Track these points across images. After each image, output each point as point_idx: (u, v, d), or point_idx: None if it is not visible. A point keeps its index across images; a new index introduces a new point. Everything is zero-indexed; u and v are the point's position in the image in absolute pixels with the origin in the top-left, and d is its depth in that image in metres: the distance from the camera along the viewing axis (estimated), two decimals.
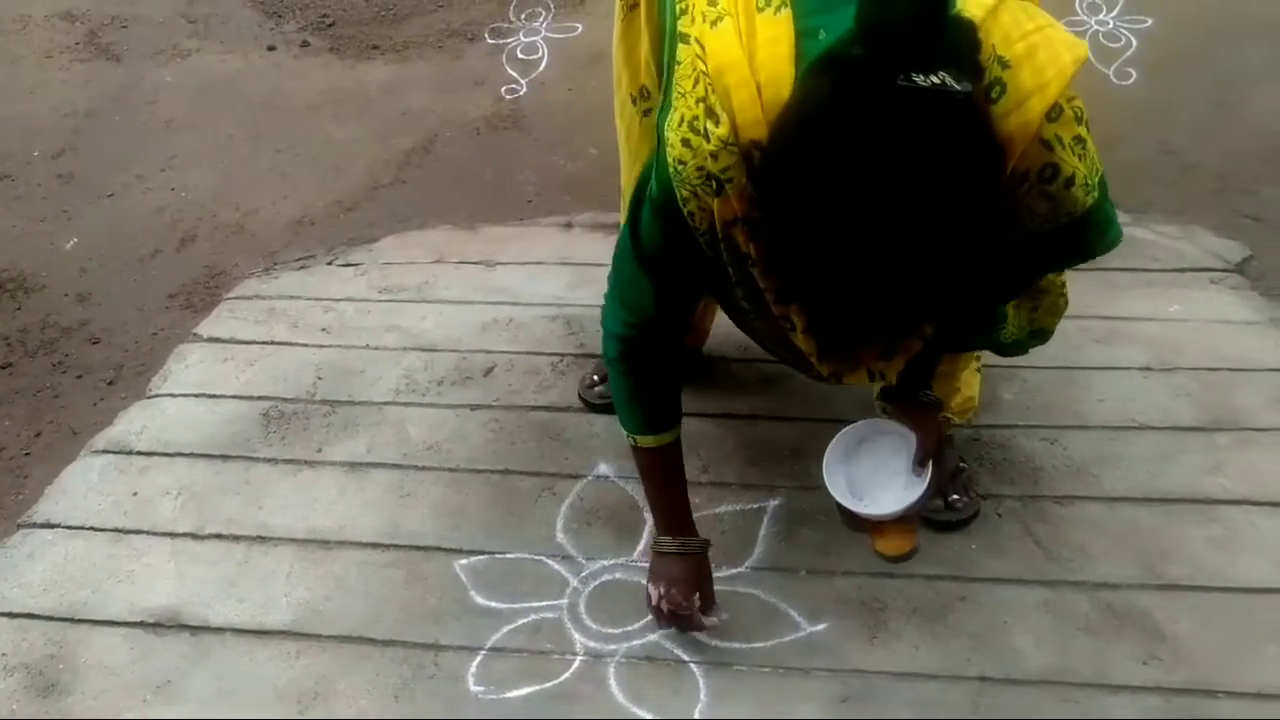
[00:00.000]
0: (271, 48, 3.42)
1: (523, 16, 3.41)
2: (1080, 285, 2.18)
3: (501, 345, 2.19)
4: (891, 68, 1.04)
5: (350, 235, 2.63)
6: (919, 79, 1.03)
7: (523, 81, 3.13)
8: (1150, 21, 3.05)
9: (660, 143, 1.32)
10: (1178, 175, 2.55)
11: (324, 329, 2.28)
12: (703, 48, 1.25)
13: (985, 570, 1.68)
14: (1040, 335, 1.62)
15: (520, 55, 3.24)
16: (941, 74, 1.03)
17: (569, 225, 2.57)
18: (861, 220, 1.08)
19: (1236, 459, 1.81)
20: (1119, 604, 1.60)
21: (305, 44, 3.41)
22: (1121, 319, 2.13)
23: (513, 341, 2.20)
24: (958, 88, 1.03)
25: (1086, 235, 1.30)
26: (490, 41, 3.33)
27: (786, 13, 1.23)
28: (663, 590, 1.56)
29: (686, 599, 1.55)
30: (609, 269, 1.52)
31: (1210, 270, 2.26)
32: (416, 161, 2.88)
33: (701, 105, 1.24)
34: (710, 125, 1.22)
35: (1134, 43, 2.98)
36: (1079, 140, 1.21)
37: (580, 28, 3.31)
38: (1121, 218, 2.40)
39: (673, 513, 1.62)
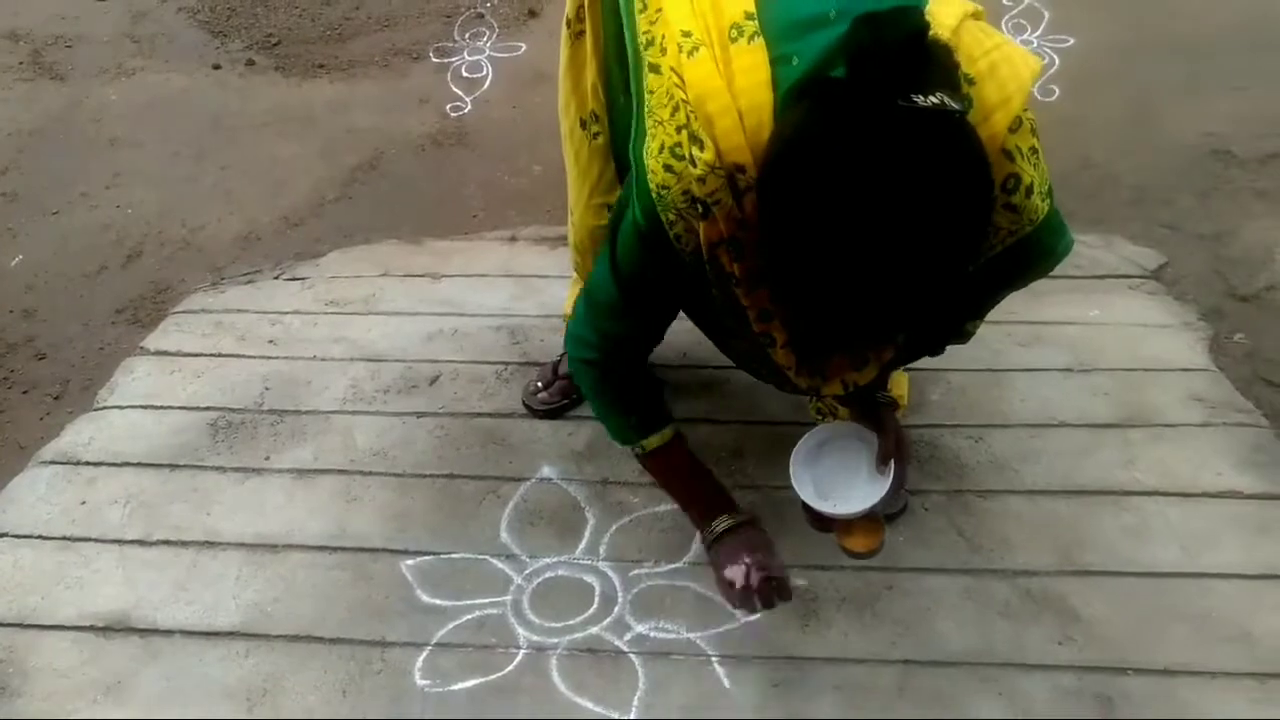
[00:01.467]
0: (217, 66, 3.44)
1: (467, 36, 3.47)
2: None
3: (447, 355, 2.24)
4: (890, 90, 1.08)
5: (297, 250, 2.66)
6: (919, 100, 1.07)
7: (467, 100, 3.19)
8: (1072, 41, 3.17)
9: (639, 170, 1.36)
10: (1098, 187, 2.66)
11: (271, 341, 2.31)
12: (681, 78, 1.28)
13: (912, 561, 1.75)
14: (961, 336, 1.70)
15: (465, 74, 3.30)
16: (939, 94, 1.08)
17: (513, 239, 2.62)
18: (863, 239, 1.10)
19: (1148, 453, 1.90)
20: (1036, 589, 1.69)
21: (251, 63, 3.44)
22: (1044, 323, 2.22)
23: (458, 351, 2.25)
24: (956, 106, 1.08)
25: (1045, 242, 1.36)
26: (435, 61, 3.38)
27: (759, 42, 1.27)
28: (749, 562, 1.52)
29: (778, 558, 1.53)
30: (578, 298, 1.55)
31: (1128, 277, 2.36)
32: (362, 178, 2.92)
33: (684, 132, 1.28)
34: (695, 151, 1.26)
35: (1057, 61, 3.10)
36: (1034, 150, 1.28)
37: (524, 47, 3.38)
38: None
39: (715, 493, 1.60)
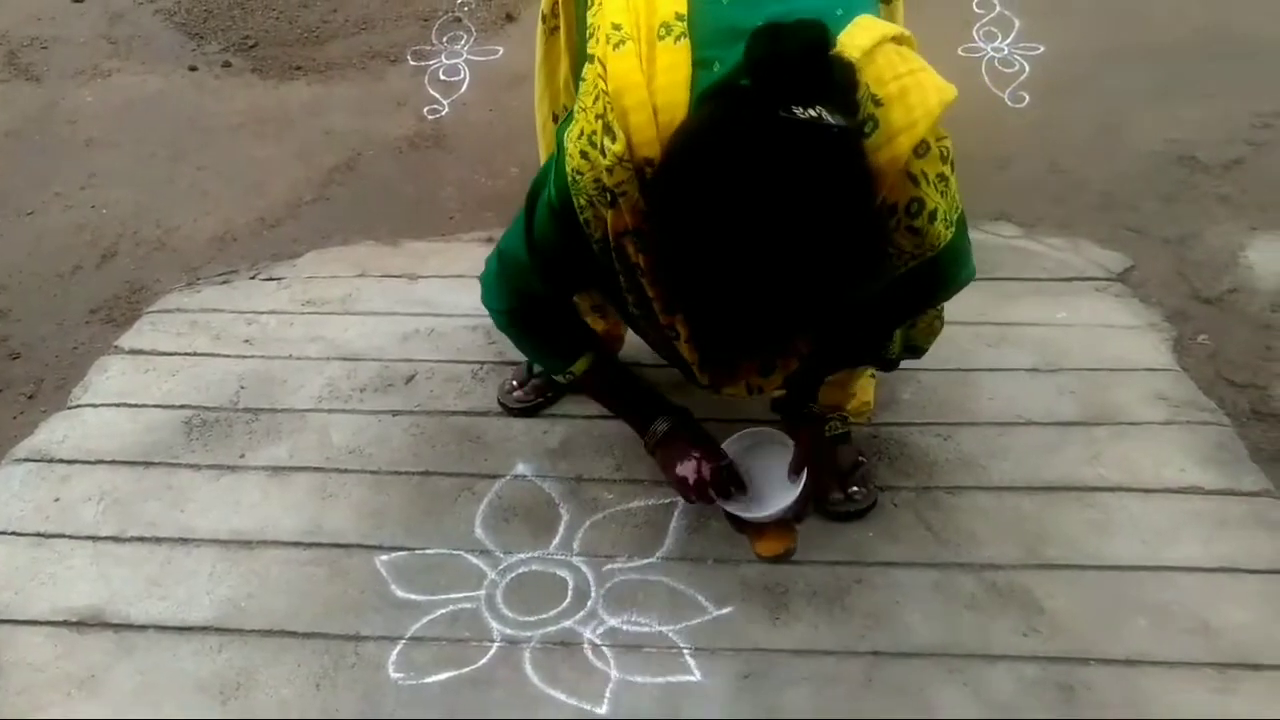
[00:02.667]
0: (193, 68, 3.44)
1: (444, 39, 3.49)
2: (974, 293, 2.30)
3: (423, 354, 2.25)
4: (775, 100, 1.14)
5: (273, 251, 2.66)
6: (798, 111, 1.13)
7: (445, 102, 3.20)
8: (1042, 49, 3.21)
9: (560, 151, 1.41)
10: (1066, 192, 2.69)
11: (247, 340, 2.32)
12: (604, 68, 1.33)
13: (881, 555, 1.78)
14: (915, 351, 1.76)
15: (442, 77, 3.31)
16: (819, 108, 1.14)
17: (490, 240, 2.62)
18: (738, 239, 1.15)
19: (1113, 450, 1.94)
20: (1002, 583, 1.72)
21: (227, 64, 3.45)
22: (1012, 324, 2.25)
23: (434, 350, 2.26)
24: (831, 122, 1.14)
25: (945, 270, 1.42)
26: (412, 64, 3.40)
27: (685, 43, 1.32)
28: (697, 456, 1.60)
29: (696, 470, 1.60)
30: (491, 254, 1.62)
31: (1095, 279, 2.40)
32: (339, 179, 2.93)
33: (600, 122, 1.32)
34: (607, 141, 1.30)
35: (1027, 69, 3.14)
36: (942, 178, 1.32)
37: (501, 51, 3.40)
38: (1013, 230, 2.60)
39: (649, 399, 1.68)
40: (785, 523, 1.60)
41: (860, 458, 1.89)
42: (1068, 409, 2.04)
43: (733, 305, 1.23)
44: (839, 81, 1.21)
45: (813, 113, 1.13)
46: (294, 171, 2.96)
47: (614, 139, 1.30)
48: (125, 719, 1.58)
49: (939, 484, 1.90)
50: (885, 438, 2.00)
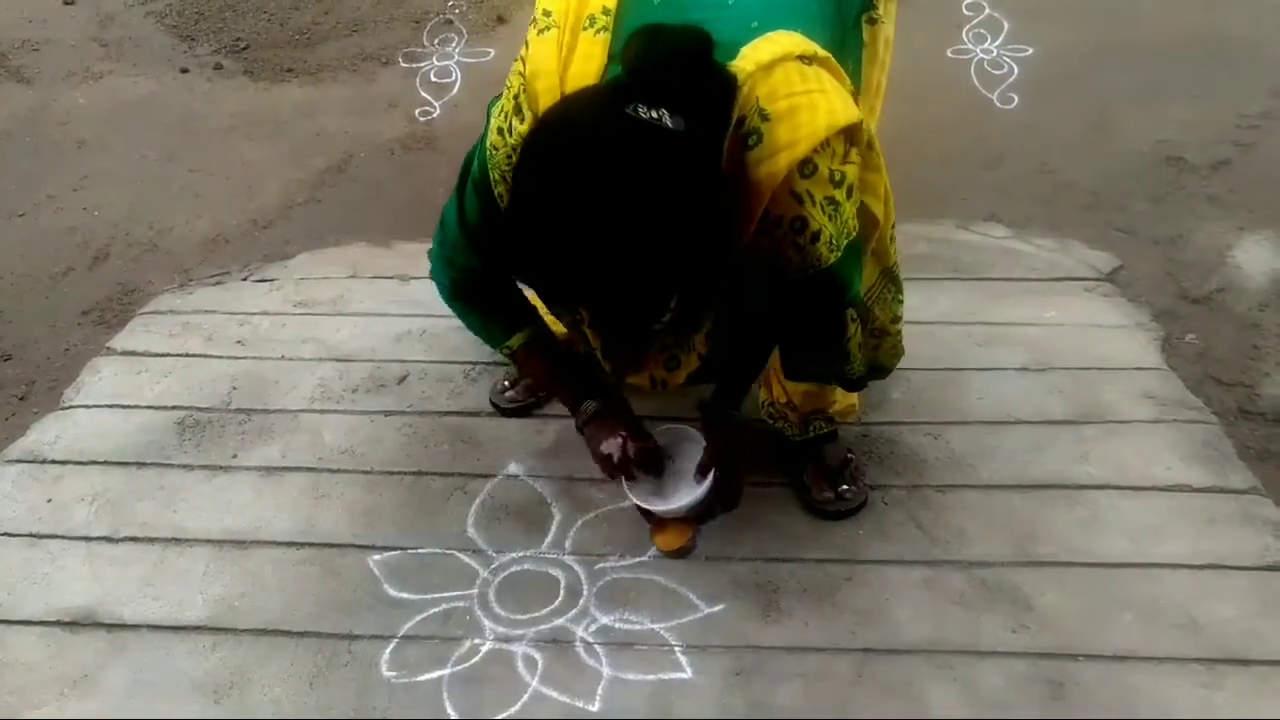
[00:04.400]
0: (185, 70, 3.45)
1: (436, 41, 3.50)
2: (965, 293, 2.35)
3: (415, 355, 2.26)
4: (625, 97, 1.18)
5: (265, 252, 2.67)
6: (641, 110, 1.16)
7: (436, 104, 3.21)
8: (1031, 50, 3.24)
9: (485, 125, 1.46)
10: (1055, 192, 2.71)
11: (239, 341, 2.33)
12: (527, 50, 1.40)
13: (871, 553, 1.79)
14: (881, 372, 1.80)
15: (434, 79, 3.32)
16: (662, 110, 1.17)
17: None
18: (561, 222, 1.19)
19: (1101, 448, 1.95)
20: (991, 580, 1.73)
21: (219, 67, 3.45)
22: (1001, 324, 2.27)
23: (426, 351, 2.27)
24: (670, 125, 1.17)
25: (825, 292, 1.45)
26: (404, 65, 3.40)
27: (605, 36, 1.37)
28: (623, 435, 1.64)
29: (621, 448, 1.64)
30: (437, 226, 1.65)
31: (1084, 279, 2.41)
32: (331, 181, 2.94)
33: (514, 102, 1.39)
34: (516, 121, 1.37)
35: (1016, 70, 3.17)
36: (831, 201, 1.34)
37: (492, 53, 3.40)
38: (1002, 231, 2.61)
39: (583, 379, 1.70)
40: (685, 520, 1.62)
41: (849, 455, 1.90)
42: (1057, 408, 2.05)
43: (555, 282, 1.28)
44: (705, 91, 1.24)
45: (655, 114, 1.17)
46: (286, 173, 2.97)
47: (522, 120, 1.37)
48: (119, 719, 1.58)
49: (929, 482, 1.91)
50: (875, 437, 2.01)
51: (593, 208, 1.17)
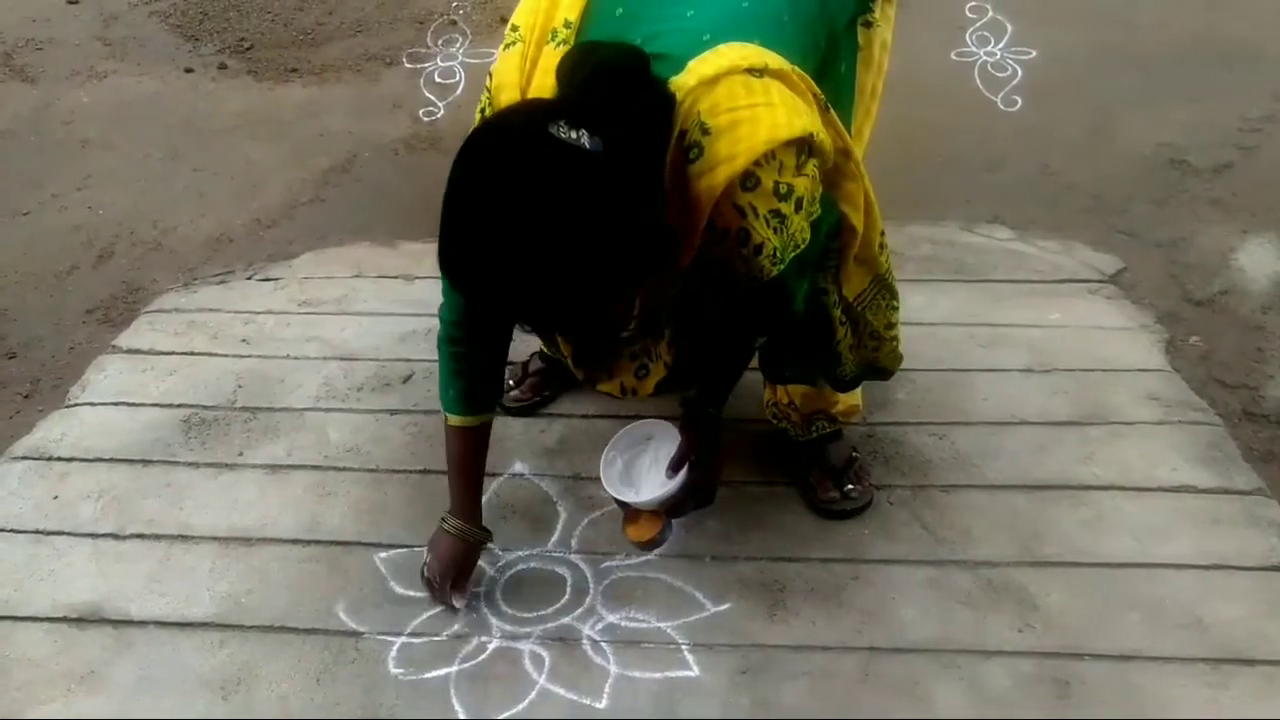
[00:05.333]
0: (189, 70, 3.45)
1: (440, 42, 3.50)
2: (968, 295, 2.36)
3: (420, 354, 2.26)
4: (548, 115, 1.19)
5: (269, 252, 2.68)
6: (562, 130, 1.18)
7: (440, 104, 3.22)
8: (1034, 53, 3.25)
9: None
10: (1058, 194, 2.72)
11: (244, 340, 2.33)
12: (494, 65, 1.42)
13: (877, 553, 1.79)
14: (882, 374, 1.82)
15: (438, 79, 3.33)
16: (582, 131, 1.19)
17: None
18: (484, 237, 1.20)
19: (1106, 449, 1.96)
20: (997, 580, 1.73)
21: (223, 66, 3.46)
22: (1005, 326, 2.27)
23: (431, 350, 2.21)
24: (588, 146, 1.18)
25: (771, 302, 1.48)
26: (408, 66, 3.41)
27: (566, 49, 1.37)
28: (428, 559, 1.69)
29: (441, 575, 1.67)
30: None
31: (1087, 281, 2.42)
32: (335, 181, 2.94)
33: (480, 116, 1.41)
34: None
35: (1019, 73, 3.18)
36: (776, 214, 1.35)
37: (496, 54, 3.40)
38: (1006, 233, 2.62)
39: (464, 495, 1.70)
40: (656, 513, 1.63)
41: (854, 455, 1.91)
42: (1061, 409, 2.06)
43: (473, 293, 1.29)
44: (631, 108, 1.24)
45: (574, 134, 1.18)
46: (290, 173, 2.97)
47: None
48: (126, 716, 1.58)
49: (934, 483, 1.91)
50: (881, 437, 2.01)
51: (510, 226, 1.18)
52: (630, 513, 1.64)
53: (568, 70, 1.26)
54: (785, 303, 1.49)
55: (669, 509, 1.62)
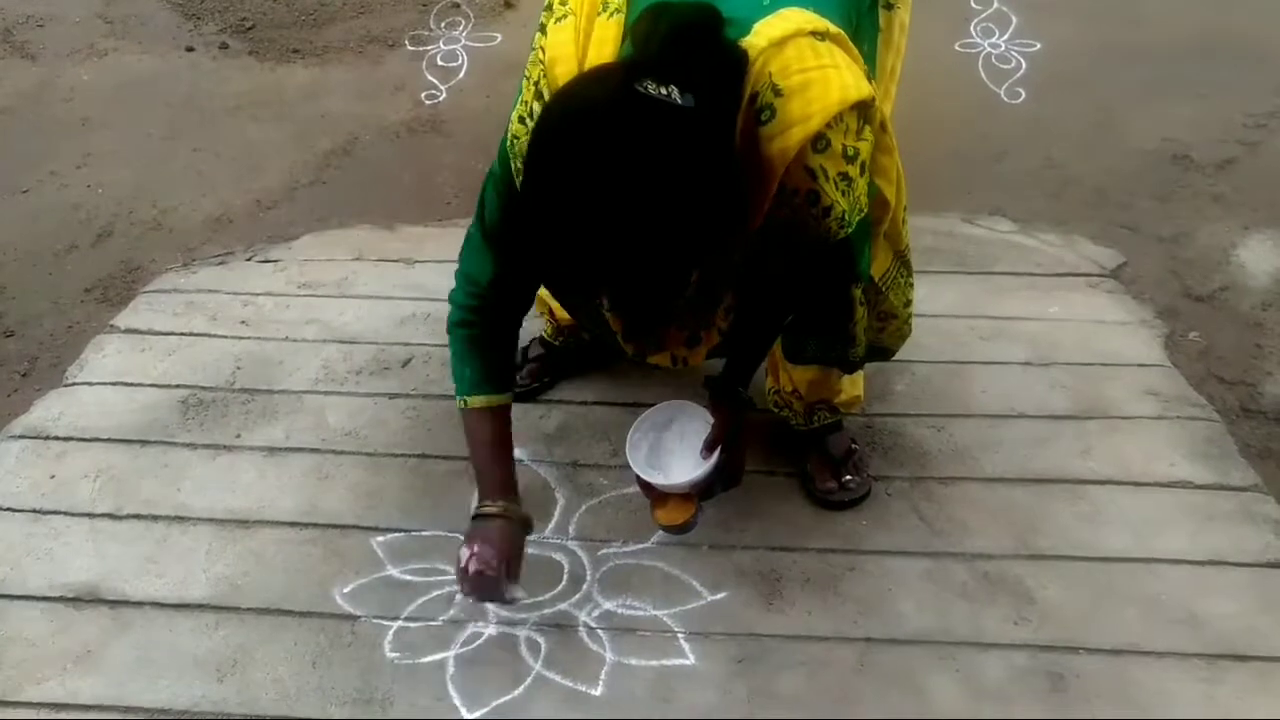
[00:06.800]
0: (190, 49, 3.43)
1: (443, 25, 3.48)
2: (969, 287, 2.35)
3: (419, 338, 2.25)
4: (634, 74, 1.18)
5: (269, 233, 2.66)
6: (650, 87, 1.16)
7: (442, 88, 3.20)
8: (1039, 45, 3.24)
9: (508, 124, 1.46)
10: (1060, 188, 2.72)
11: (243, 322, 2.32)
12: (545, 38, 1.41)
13: (874, 544, 1.79)
14: (884, 353, 1.82)
15: (440, 62, 3.31)
16: (672, 87, 1.17)
17: None
18: (572, 199, 1.18)
19: (1104, 444, 1.96)
20: (994, 572, 1.73)
21: (224, 46, 3.44)
22: (1006, 318, 2.27)
23: (430, 334, 2.26)
24: (679, 102, 1.17)
25: (835, 263, 1.46)
26: (410, 49, 3.39)
27: (619, 18, 1.38)
28: (475, 549, 1.53)
29: (499, 561, 1.53)
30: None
31: (1088, 275, 2.42)
32: (336, 163, 2.93)
33: (533, 89, 1.40)
34: (538, 107, 1.37)
35: (1024, 65, 3.16)
36: (845, 177, 1.35)
37: (499, 37, 3.40)
38: (1008, 226, 2.61)
39: (504, 477, 1.64)
40: (688, 496, 1.61)
41: (853, 445, 1.91)
42: (1060, 403, 2.06)
43: (571, 264, 1.27)
44: (714, 66, 1.23)
45: (664, 90, 1.17)
46: (291, 154, 2.96)
47: None
48: (122, 696, 1.59)
49: (932, 475, 1.91)
50: (879, 429, 2.01)
51: (604, 185, 1.17)
52: (657, 496, 1.61)
53: (645, 29, 1.23)
54: (851, 265, 1.47)
55: (700, 492, 1.61)
